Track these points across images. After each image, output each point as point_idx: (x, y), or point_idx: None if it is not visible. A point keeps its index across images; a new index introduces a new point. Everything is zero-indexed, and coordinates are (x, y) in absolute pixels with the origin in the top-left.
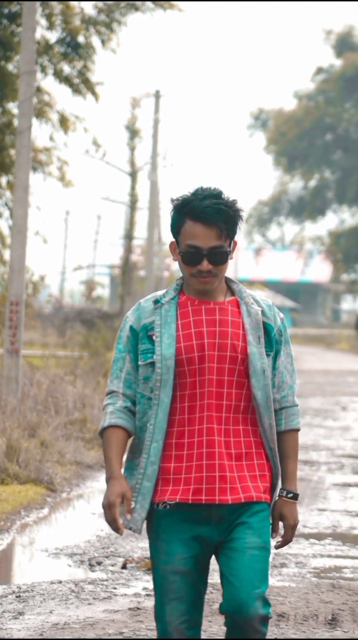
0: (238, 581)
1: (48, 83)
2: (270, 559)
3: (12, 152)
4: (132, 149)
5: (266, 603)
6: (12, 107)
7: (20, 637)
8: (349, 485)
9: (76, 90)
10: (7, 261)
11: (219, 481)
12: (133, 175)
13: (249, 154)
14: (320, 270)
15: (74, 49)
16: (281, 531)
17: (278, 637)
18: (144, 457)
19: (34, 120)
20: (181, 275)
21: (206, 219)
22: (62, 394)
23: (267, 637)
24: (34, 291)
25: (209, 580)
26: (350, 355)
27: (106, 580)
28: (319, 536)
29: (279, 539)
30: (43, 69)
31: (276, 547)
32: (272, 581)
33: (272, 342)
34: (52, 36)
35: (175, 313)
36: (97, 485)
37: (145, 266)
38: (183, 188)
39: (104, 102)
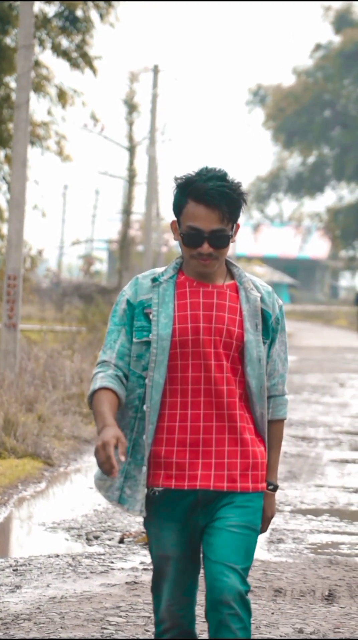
0: (214, 556)
1: (46, 57)
2: (267, 535)
3: (10, 126)
4: (130, 124)
5: (244, 581)
6: (10, 80)
7: (18, 610)
8: (347, 461)
9: (74, 64)
10: (5, 235)
11: (216, 468)
12: (131, 150)
13: (247, 130)
14: (318, 247)
15: (72, 22)
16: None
17: (274, 612)
18: (136, 437)
19: (32, 95)
20: (180, 251)
21: (209, 201)
22: (60, 369)
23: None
24: (32, 265)
25: None
26: (348, 331)
27: (103, 554)
28: (316, 512)
29: None
30: (41, 43)
31: None
32: (269, 556)
33: (269, 329)
34: (51, 10)
35: (173, 293)
36: (94, 460)
37: (143, 241)
38: (181, 163)
39: (103, 76)
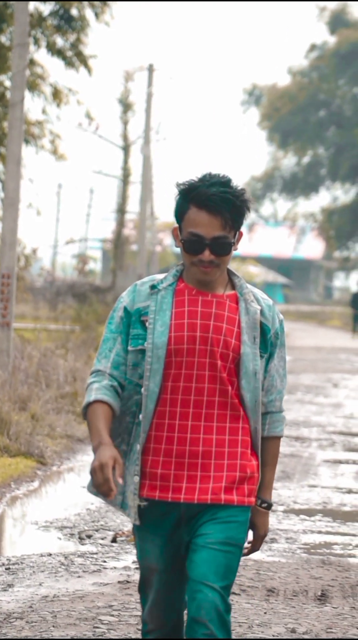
0: (194, 574)
1: (41, 56)
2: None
3: (5, 124)
4: (125, 123)
5: (223, 600)
6: (5, 79)
7: (10, 609)
8: (340, 462)
9: (69, 63)
10: None
11: (201, 481)
12: (126, 149)
13: (242, 129)
14: (312, 247)
15: (67, 21)
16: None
17: (266, 612)
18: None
19: (27, 93)
20: (176, 250)
21: (211, 208)
22: (54, 368)
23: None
24: (26, 264)
25: None
26: (342, 332)
27: (96, 553)
28: (309, 512)
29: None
30: (36, 42)
31: (243, 555)
32: (262, 556)
33: (267, 343)
34: (46, 8)
35: (171, 300)
36: (87, 459)
37: (137, 240)
38: (176, 162)
39: (98, 75)
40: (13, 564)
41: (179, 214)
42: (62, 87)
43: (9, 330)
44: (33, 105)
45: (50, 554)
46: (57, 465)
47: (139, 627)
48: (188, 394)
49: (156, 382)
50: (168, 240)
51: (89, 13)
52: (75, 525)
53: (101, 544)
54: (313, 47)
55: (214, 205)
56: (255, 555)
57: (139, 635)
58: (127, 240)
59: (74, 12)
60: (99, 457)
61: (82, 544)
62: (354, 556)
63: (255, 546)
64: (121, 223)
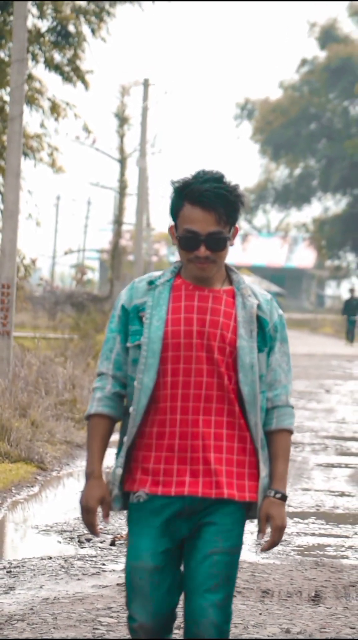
0: (193, 584)
1: (39, 71)
2: (255, 538)
3: (4, 138)
4: (121, 136)
5: (223, 613)
6: (4, 94)
7: (11, 611)
8: (332, 465)
9: (66, 78)
10: None
11: (203, 475)
12: (122, 161)
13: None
14: (304, 257)
15: (64, 37)
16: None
17: (261, 613)
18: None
19: (25, 107)
20: (172, 260)
21: (205, 203)
22: (53, 375)
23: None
24: (26, 274)
25: None
26: (334, 339)
27: (95, 556)
28: (303, 515)
29: (267, 538)
30: (34, 57)
31: (263, 550)
32: (257, 558)
33: (266, 337)
34: (43, 25)
35: (168, 295)
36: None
37: (134, 251)
38: (171, 174)
39: (94, 90)
40: (14, 567)
41: (175, 211)
42: (60, 101)
43: (9, 338)
44: (32, 119)
45: (50, 558)
46: (56, 470)
47: None
48: (188, 388)
49: (151, 377)
50: (164, 250)
51: (85, 29)
52: (74, 529)
53: (100, 547)
54: (304, 62)
55: (208, 201)
56: (250, 557)
57: None
58: (124, 250)
59: (71, 28)
60: (86, 498)
61: (82, 548)
62: (347, 557)
63: (275, 538)
64: (118, 234)
